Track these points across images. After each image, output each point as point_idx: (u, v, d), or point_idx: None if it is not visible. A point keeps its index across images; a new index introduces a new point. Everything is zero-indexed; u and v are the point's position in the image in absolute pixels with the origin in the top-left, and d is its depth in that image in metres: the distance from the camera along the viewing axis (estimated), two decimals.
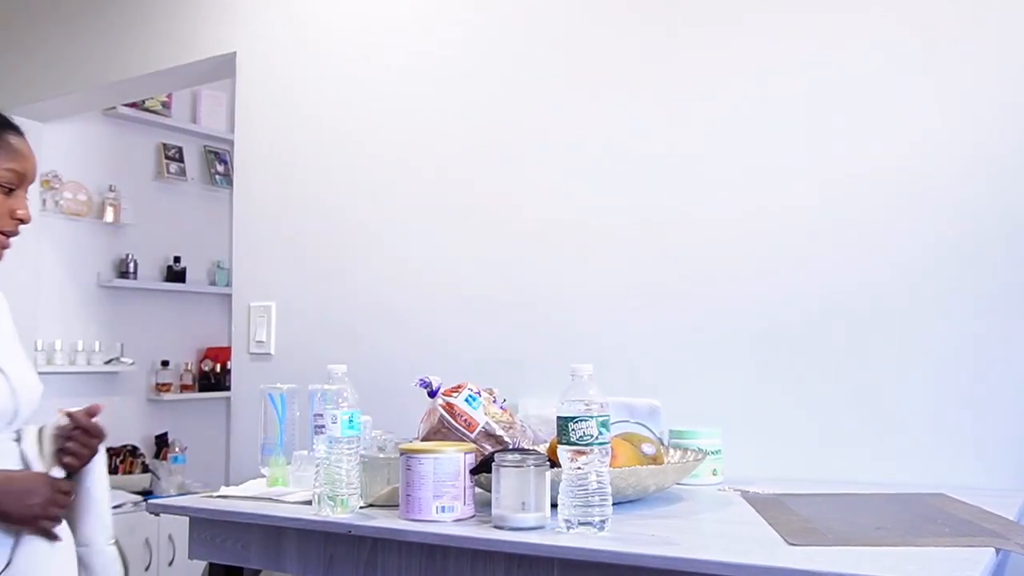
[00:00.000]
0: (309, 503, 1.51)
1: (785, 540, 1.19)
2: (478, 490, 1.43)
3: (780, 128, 2.01)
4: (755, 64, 2.05)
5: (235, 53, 2.94)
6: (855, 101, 1.94)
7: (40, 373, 4.10)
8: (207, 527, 1.57)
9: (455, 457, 1.37)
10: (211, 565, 1.64)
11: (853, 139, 1.94)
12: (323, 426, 1.41)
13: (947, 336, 1.82)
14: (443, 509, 1.36)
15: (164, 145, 4.87)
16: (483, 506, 1.40)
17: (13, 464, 1.55)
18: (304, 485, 1.65)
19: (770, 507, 1.47)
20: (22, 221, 1.62)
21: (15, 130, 1.66)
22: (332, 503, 1.41)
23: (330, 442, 1.40)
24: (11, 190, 1.60)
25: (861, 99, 1.94)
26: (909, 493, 1.62)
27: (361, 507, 1.47)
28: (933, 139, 1.86)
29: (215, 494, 1.64)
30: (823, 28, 1.98)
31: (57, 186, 4.37)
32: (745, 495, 1.62)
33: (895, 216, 1.89)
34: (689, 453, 1.71)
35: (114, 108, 4.45)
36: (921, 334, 1.84)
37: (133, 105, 4.54)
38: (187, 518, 1.61)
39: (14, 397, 1.57)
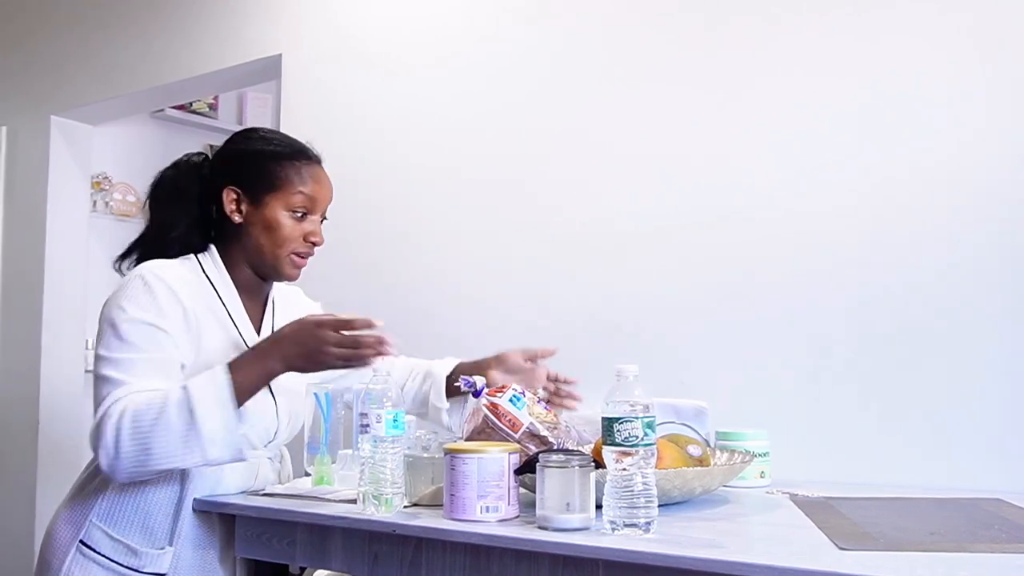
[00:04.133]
0: (354, 502, 1.51)
1: (835, 544, 1.17)
2: (522, 491, 1.43)
3: (830, 128, 1.98)
4: (802, 63, 2.02)
5: (280, 55, 2.97)
6: (905, 99, 1.91)
7: (89, 372, 4.18)
8: (253, 525, 1.58)
9: (499, 457, 1.37)
10: (251, 565, 1.65)
11: (904, 138, 1.90)
12: (368, 425, 1.40)
13: (1001, 338, 1.78)
14: (487, 509, 1.35)
15: (211, 146, 4.93)
16: (527, 507, 1.40)
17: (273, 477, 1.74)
18: (349, 484, 1.65)
19: (819, 510, 1.44)
20: (314, 244, 1.70)
21: (310, 158, 1.72)
22: (376, 502, 1.41)
23: (375, 441, 1.40)
24: (304, 215, 1.68)
25: (911, 97, 1.90)
26: (964, 498, 1.59)
27: (405, 506, 1.47)
28: (985, 138, 1.82)
29: (261, 492, 1.65)
30: (871, 26, 1.95)
31: (107, 187, 4.44)
32: (793, 498, 1.60)
33: (948, 217, 1.85)
34: (736, 455, 1.69)
35: (162, 110, 4.51)
36: (975, 336, 1.80)
37: (180, 107, 4.61)
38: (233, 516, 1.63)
39: (276, 420, 1.69)
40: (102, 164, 4.35)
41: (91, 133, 3.89)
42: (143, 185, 4.94)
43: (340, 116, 2.80)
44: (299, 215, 1.67)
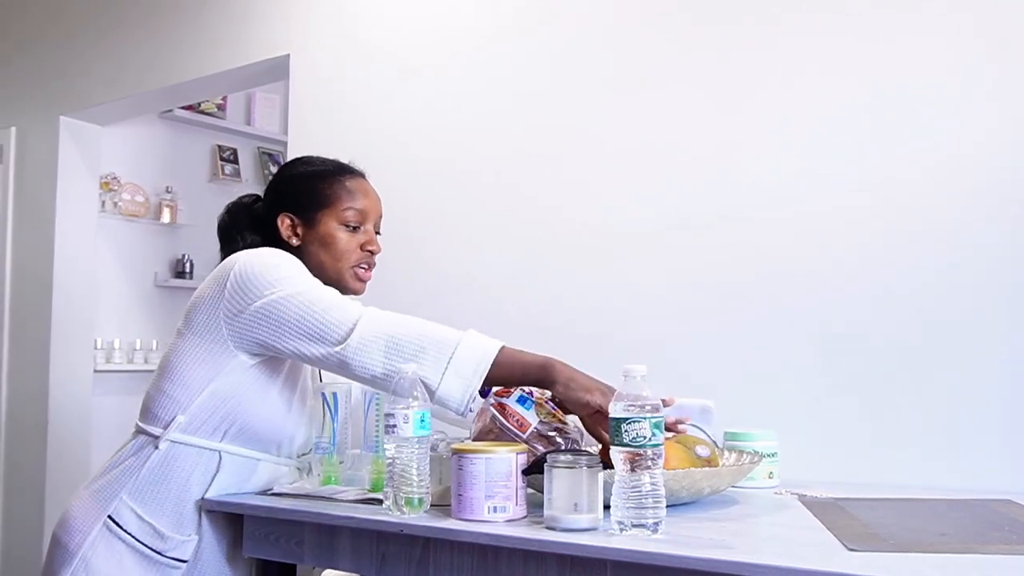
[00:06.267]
0: (362, 502, 1.52)
1: (844, 545, 1.16)
2: (530, 491, 1.43)
3: (836, 128, 1.98)
4: (808, 64, 2.02)
5: (288, 56, 2.97)
6: (908, 100, 1.90)
7: (98, 371, 4.21)
8: (261, 524, 1.58)
9: (507, 457, 1.36)
10: (264, 563, 1.65)
11: (908, 138, 1.90)
12: (394, 426, 1.39)
13: (1012, 338, 1.77)
14: (495, 509, 1.35)
15: (219, 147, 4.95)
16: (535, 507, 1.39)
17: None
18: (356, 484, 1.66)
19: (828, 511, 1.44)
20: (372, 253, 1.76)
21: (352, 173, 1.79)
22: (403, 503, 1.39)
23: (401, 442, 1.39)
24: (356, 227, 1.74)
25: (914, 98, 1.90)
26: (974, 499, 1.58)
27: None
28: (990, 138, 1.82)
29: (269, 492, 1.66)
30: (878, 26, 1.94)
31: (115, 188, 4.46)
32: (802, 499, 1.59)
33: (954, 216, 1.84)
34: (744, 455, 1.68)
35: (170, 111, 4.53)
36: (985, 336, 1.79)
37: (189, 108, 4.63)
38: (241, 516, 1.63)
39: (314, 432, 1.73)
40: (111, 164, 4.37)
41: (100, 133, 3.90)
42: (152, 185, 5.02)
43: (347, 116, 2.81)
44: (352, 227, 1.73)
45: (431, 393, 1.47)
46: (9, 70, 3.97)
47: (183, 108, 4.56)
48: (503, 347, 1.51)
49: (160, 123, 4.70)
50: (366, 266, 1.75)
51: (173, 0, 3.36)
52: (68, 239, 3.78)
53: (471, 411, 1.53)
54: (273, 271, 1.56)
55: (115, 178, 4.46)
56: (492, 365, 1.49)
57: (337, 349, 1.50)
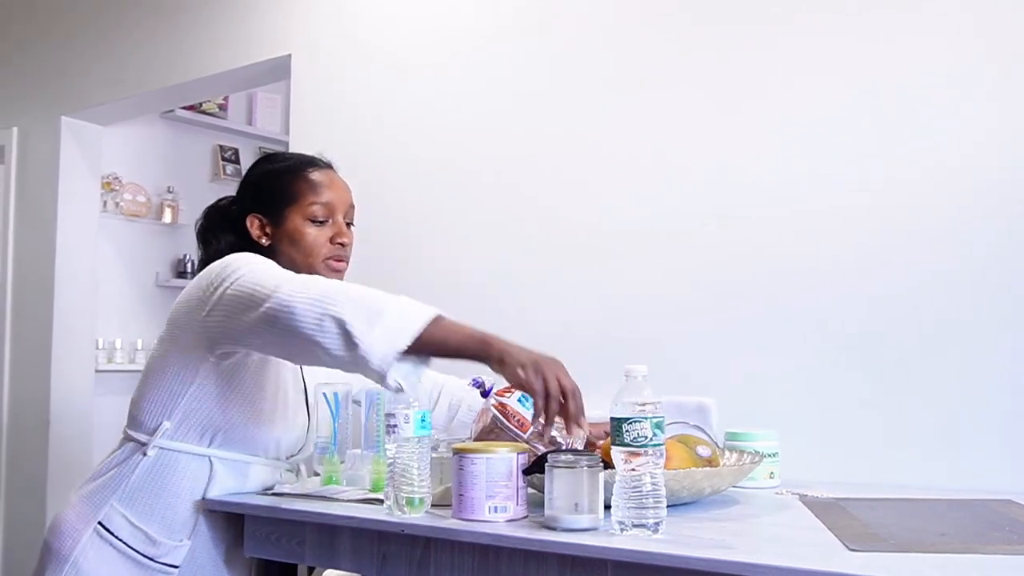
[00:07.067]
0: (363, 501, 1.52)
1: (845, 545, 1.16)
2: (531, 491, 1.43)
3: (839, 126, 1.98)
4: (808, 64, 2.02)
5: (290, 56, 2.97)
6: (908, 100, 1.90)
7: (99, 371, 4.20)
8: (262, 524, 1.58)
9: (508, 457, 1.36)
10: (266, 563, 1.65)
11: (910, 138, 1.90)
12: (395, 426, 1.39)
13: (1012, 338, 1.77)
14: (495, 509, 1.35)
15: (220, 147, 4.95)
16: (536, 507, 1.39)
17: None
18: (358, 484, 1.66)
19: (829, 511, 1.44)
20: (342, 245, 1.71)
21: (317, 166, 1.76)
22: (404, 503, 1.39)
23: (402, 442, 1.39)
24: (324, 221, 1.70)
25: (914, 98, 1.90)
26: (974, 499, 1.58)
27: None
28: (992, 138, 1.82)
29: (270, 492, 1.66)
30: (878, 26, 1.94)
31: (117, 188, 4.47)
32: (803, 499, 1.59)
33: (956, 216, 1.84)
34: (745, 455, 1.68)
35: (172, 111, 4.54)
36: (985, 336, 1.79)
37: (190, 108, 4.63)
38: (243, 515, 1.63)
39: (306, 436, 1.74)
40: (112, 164, 4.37)
41: (101, 133, 3.90)
42: (153, 185, 5.02)
43: (349, 116, 2.81)
44: (320, 222, 1.70)
45: (354, 346, 1.36)
46: (10, 70, 3.97)
47: (184, 108, 4.56)
48: (439, 315, 1.40)
49: (161, 123, 4.71)
50: (338, 258, 1.71)
51: (174, 0, 3.36)
52: (69, 239, 3.78)
53: (400, 389, 1.39)
54: (234, 263, 1.53)
55: (116, 178, 4.46)
56: (425, 330, 1.37)
57: (266, 305, 1.41)
